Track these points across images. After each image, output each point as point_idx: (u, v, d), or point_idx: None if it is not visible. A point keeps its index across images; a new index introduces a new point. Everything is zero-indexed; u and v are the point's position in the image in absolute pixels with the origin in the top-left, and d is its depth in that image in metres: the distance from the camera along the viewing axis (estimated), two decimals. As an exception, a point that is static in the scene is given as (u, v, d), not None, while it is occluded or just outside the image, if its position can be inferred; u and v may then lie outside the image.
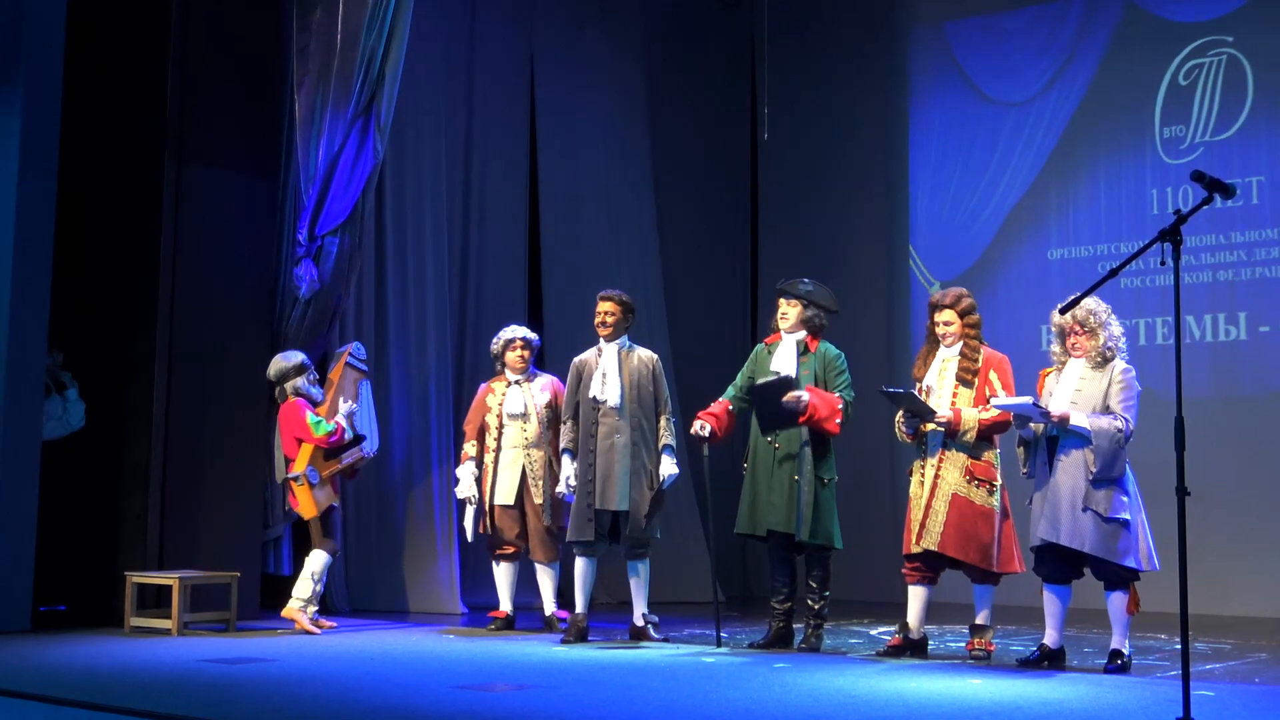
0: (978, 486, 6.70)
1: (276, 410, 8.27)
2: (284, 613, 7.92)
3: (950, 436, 6.74)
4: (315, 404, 8.17)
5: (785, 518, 7.00)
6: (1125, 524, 6.22)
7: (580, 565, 7.53)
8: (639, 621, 7.57)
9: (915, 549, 6.79)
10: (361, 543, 9.34)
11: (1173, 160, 10.23)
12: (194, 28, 8.50)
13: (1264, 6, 9.99)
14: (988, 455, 6.77)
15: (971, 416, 6.70)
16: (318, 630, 7.85)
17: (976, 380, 6.79)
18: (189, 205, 8.40)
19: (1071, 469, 6.30)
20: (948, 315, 6.92)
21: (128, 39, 8.64)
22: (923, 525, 6.76)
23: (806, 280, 7.37)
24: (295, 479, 7.99)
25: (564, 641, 7.38)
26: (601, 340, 7.67)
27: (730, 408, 7.34)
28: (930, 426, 6.79)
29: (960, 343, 6.91)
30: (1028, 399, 6.40)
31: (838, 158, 11.93)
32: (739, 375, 7.44)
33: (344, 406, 8.23)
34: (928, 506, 6.75)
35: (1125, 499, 6.25)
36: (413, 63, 9.16)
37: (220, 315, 8.47)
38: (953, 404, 6.76)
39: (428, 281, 9.84)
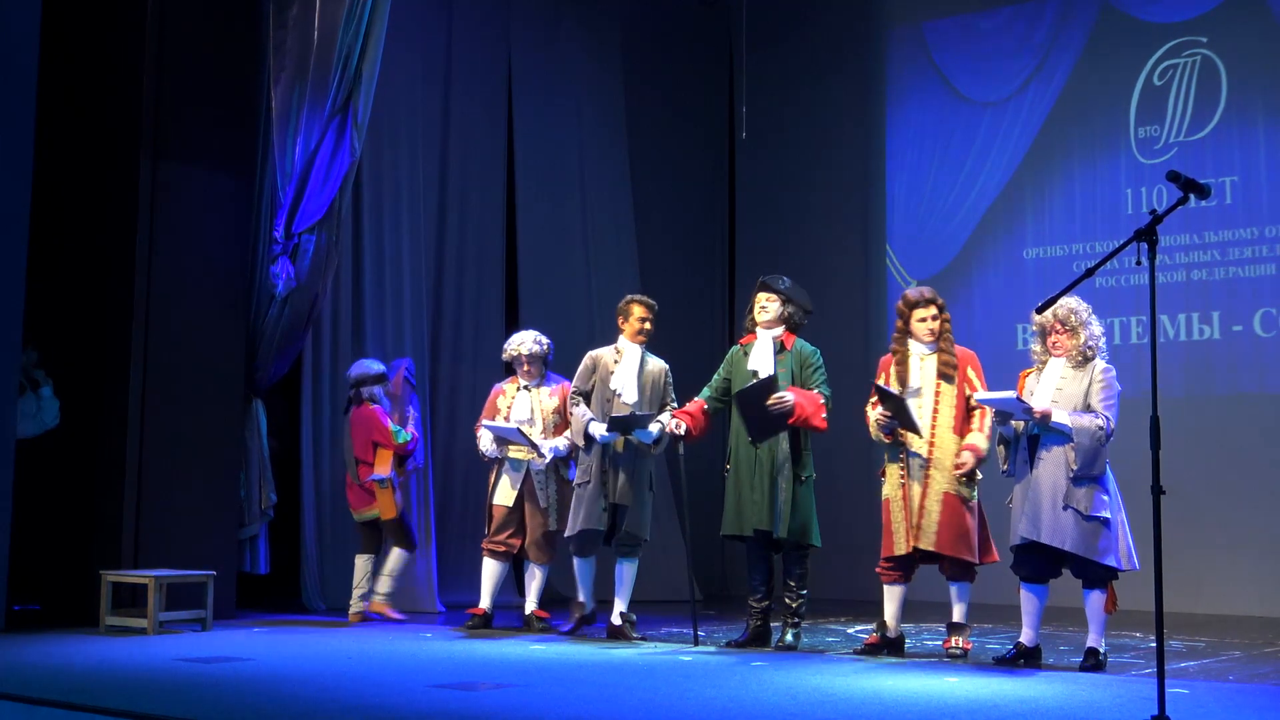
0: (964, 483, 6.74)
1: (348, 413, 8.59)
2: (371, 608, 8.41)
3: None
4: (387, 413, 8.51)
5: (767, 516, 7.02)
6: (1105, 522, 6.23)
7: (579, 563, 7.75)
8: (617, 620, 7.58)
9: (903, 550, 6.77)
10: (339, 542, 9.30)
11: (1147, 160, 10.28)
12: (170, 23, 8.45)
13: (1238, 8, 10.06)
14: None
15: (974, 448, 6.73)
16: (401, 616, 8.43)
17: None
18: (165, 202, 8.37)
19: (1052, 467, 6.30)
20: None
21: (103, 34, 8.59)
22: (918, 526, 6.73)
23: (786, 278, 7.40)
24: (380, 481, 8.32)
25: (571, 631, 7.71)
26: (625, 341, 7.75)
27: (706, 407, 7.37)
28: (913, 442, 6.78)
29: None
30: (1010, 394, 6.40)
31: (815, 157, 11.96)
32: (715, 376, 7.46)
33: (412, 417, 8.58)
34: (921, 507, 6.74)
35: (1105, 497, 6.26)
36: (390, 61, 9.14)
37: (196, 313, 8.43)
38: (960, 452, 6.75)
39: (404, 280, 9.84)
